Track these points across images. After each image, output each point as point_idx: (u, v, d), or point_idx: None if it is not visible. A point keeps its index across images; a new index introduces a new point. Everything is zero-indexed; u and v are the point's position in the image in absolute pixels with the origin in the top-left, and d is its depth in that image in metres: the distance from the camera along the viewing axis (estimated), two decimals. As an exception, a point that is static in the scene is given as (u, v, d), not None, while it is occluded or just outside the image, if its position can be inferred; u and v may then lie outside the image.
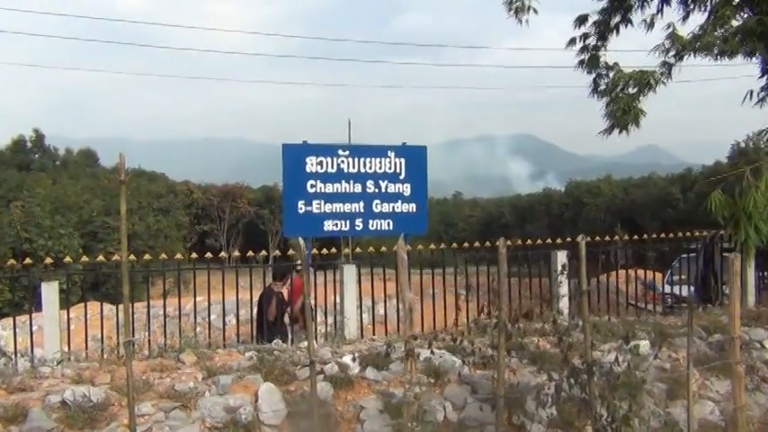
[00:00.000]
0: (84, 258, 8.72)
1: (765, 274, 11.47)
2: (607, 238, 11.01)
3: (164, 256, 9.29)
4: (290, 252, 9.18)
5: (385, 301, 9.14)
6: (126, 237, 3.29)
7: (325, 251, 8.97)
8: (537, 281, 9.69)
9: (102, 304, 8.90)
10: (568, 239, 9.71)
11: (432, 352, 4.95)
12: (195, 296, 9.49)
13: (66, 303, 9.16)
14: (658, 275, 13.69)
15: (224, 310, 8.77)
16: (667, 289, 13.48)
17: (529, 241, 9.76)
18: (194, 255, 10.20)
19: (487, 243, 9.06)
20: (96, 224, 45.47)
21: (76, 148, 72.46)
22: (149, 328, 8.22)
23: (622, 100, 11.26)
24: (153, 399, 5.12)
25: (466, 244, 9.30)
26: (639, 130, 10.93)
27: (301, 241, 3.55)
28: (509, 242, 9.31)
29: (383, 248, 9.38)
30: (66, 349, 8.63)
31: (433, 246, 9.97)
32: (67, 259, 8.47)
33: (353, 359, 5.52)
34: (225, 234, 64.84)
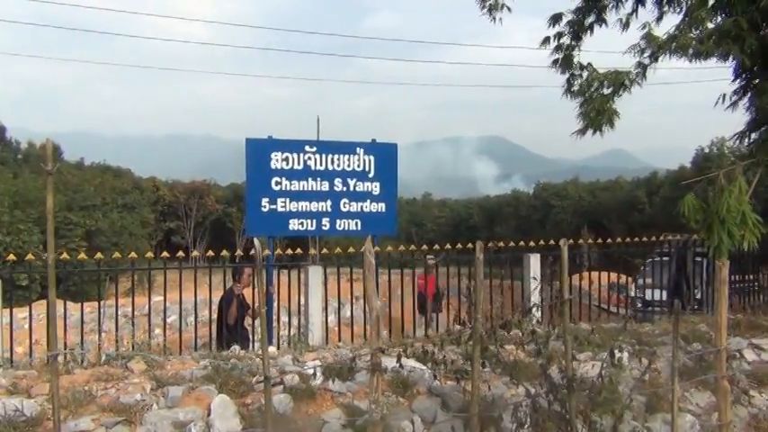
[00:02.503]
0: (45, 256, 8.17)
1: (736, 278, 11.40)
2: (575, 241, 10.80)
3: (117, 255, 8.75)
4: (252, 252, 8.76)
5: (351, 303, 8.77)
6: (53, 234, 2.88)
7: (290, 251, 8.57)
8: (508, 284, 9.43)
9: (65, 303, 8.41)
10: (541, 242, 9.46)
11: (400, 365, 4.58)
12: (150, 297, 9.01)
13: (27, 301, 8.64)
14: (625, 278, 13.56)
15: (181, 311, 8.31)
16: (638, 293, 13.36)
17: (501, 243, 9.48)
18: (165, 254, 9.66)
19: (458, 245, 8.76)
20: (58, 220, 44.24)
21: (39, 141, 70.59)
22: (100, 331, 7.73)
23: (596, 100, 11.08)
24: (94, 412, 4.66)
25: (436, 246, 8.98)
26: (607, 134, 10.78)
27: (256, 241, 3.16)
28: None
29: (351, 249, 9.02)
30: (18, 351, 8.10)
31: (402, 247, 9.62)
32: (29, 256, 7.93)
33: (314, 371, 5.13)
34: (191, 232, 63.82)
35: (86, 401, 4.79)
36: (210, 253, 8.47)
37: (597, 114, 10.96)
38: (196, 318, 9.50)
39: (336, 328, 8.89)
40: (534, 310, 4.27)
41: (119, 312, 8.80)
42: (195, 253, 10.11)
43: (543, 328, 5.87)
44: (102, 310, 8.15)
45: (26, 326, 8.61)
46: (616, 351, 5.47)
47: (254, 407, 4.85)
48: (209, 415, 4.73)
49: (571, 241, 10.42)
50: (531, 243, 9.36)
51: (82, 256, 8.20)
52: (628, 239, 10.37)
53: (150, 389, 5.06)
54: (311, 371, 5.16)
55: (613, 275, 12.34)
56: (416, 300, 10.89)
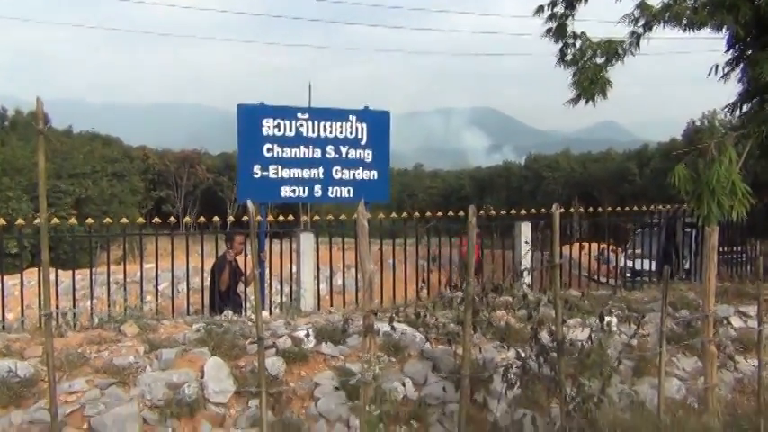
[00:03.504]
0: (37, 222, 8.11)
1: (724, 248, 11.49)
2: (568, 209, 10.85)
3: (108, 220, 8.69)
4: (245, 218, 8.76)
5: (343, 271, 8.81)
6: (45, 196, 2.86)
7: (281, 218, 8.56)
8: (500, 252, 9.48)
9: (56, 270, 8.38)
10: (532, 211, 9.50)
11: (392, 328, 4.63)
12: (141, 263, 8.98)
13: (18, 268, 8.59)
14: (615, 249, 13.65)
15: (173, 277, 8.31)
16: (627, 263, 13.47)
17: (492, 210, 9.51)
18: (157, 219, 9.59)
19: (450, 213, 8.78)
20: (47, 188, 43.96)
21: (27, 109, 69.65)
22: (92, 296, 7.72)
23: (589, 70, 11.04)
24: (88, 374, 4.70)
25: (428, 213, 8.99)
26: (599, 106, 10.77)
27: (249, 204, 3.15)
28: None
29: (342, 216, 9.04)
30: (9, 317, 8.08)
31: (394, 215, 9.64)
32: (19, 222, 7.87)
33: (308, 333, 5.17)
34: (182, 201, 63.55)
35: (80, 363, 4.81)
36: (202, 219, 8.44)
37: (590, 84, 10.93)
38: (188, 284, 9.51)
39: (328, 296, 8.93)
40: (525, 274, 4.31)
41: (110, 279, 8.79)
42: (188, 219, 10.06)
43: (534, 294, 5.94)
44: (93, 277, 8.14)
45: (17, 293, 8.61)
46: (606, 316, 5.57)
47: (248, 369, 4.90)
48: (202, 377, 4.78)
49: (562, 210, 10.50)
50: (523, 212, 9.40)
51: (72, 221, 8.16)
52: (618, 209, 10.42)
53: (143, 351, 5.09)
54: (303, 333, 5.20)
55: (603, 246, 12.42)
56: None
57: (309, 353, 5.16)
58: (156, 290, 9.47)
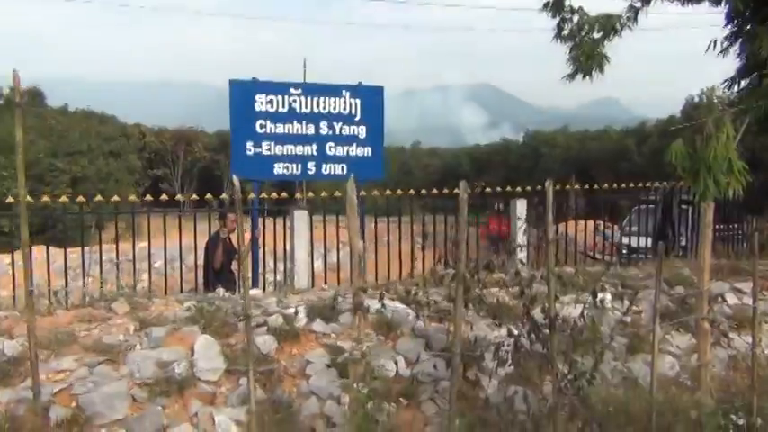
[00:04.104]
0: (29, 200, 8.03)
1: (720, 227, 11.47)
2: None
3: (99, 198, 8.61)
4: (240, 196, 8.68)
5: (338, 248, 8.73)
6: (23, 171, 2.79)
7: (275, 196, 8.50)
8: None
9: (47, 248, 8.32)
10: (528, 188, 9.44)
11: (383, 305, 4.58)
12: (134, 241, 8.91)
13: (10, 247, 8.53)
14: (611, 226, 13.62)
15: (165, 255, 8.28)
16: (623, 240, 13.45)
17: (483, 184, 9.46)
18: (149, 196, 9.51)
19: (445, 190, 8.71)
20: (43, 166, 43.63)
21: (22, 86, 68.88)
22: (84, 275, 7.67)
23: (587, 45, 10.90)
24: (77, 352, 4.66)
25: (423, 191, 8.92)
26: (597, 83, 10.65)
27: (235, 180, 3.08)
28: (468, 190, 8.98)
29: (337, 193, 8.98)
30: (3, 294, 8.05)
31: (389, 192, 9.53)
32: (11, 199, 7.79)
33: (296, 311, 5.13)
34: (179, 179, 63.29)
35: (69, 342, 4.78)
36: (194, 196, 8.38)
37: (587, 59, 10.80)
38: (182, 262, 9.46)
39: (323, 274, 8.90)
40: (519, 251, 4.25)
41: (104, 258, 8.74)
42: (179, 197, 9.95)
43: (528, 270, 5.90)
44: (87, 256, 8.08)
45: (10, 271, 8.56)
46: (599, 293, 5.53)
47: (238, 347, 4.86)
48: (192, 355, 4.74)
49: (558, 187, 10.46)
50: (518, 188, 9.34)
51: (63, 199, 8.08)
52: (614, 187, 10.37)
53: (134, 329, 5.06)
54: (295, 311, 5.16)
55: (600, 223, 12.39)
56: (489, 240, 11.73)
57: (301, 331, 5.13)
58: (150, 268, 9.43)
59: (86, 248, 8.20)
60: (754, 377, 4.68)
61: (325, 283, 8.59)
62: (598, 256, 12.19)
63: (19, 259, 8.05)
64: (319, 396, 4.69)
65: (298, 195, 9.55)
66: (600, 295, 5.06)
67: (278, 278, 8.45)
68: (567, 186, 11.17)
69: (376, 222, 8.76)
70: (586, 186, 10.77)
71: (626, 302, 4.92)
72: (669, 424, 4.13)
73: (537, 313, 4.21)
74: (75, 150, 46.64)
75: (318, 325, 5.19)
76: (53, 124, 48.26)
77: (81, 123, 54.29)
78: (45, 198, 7.76)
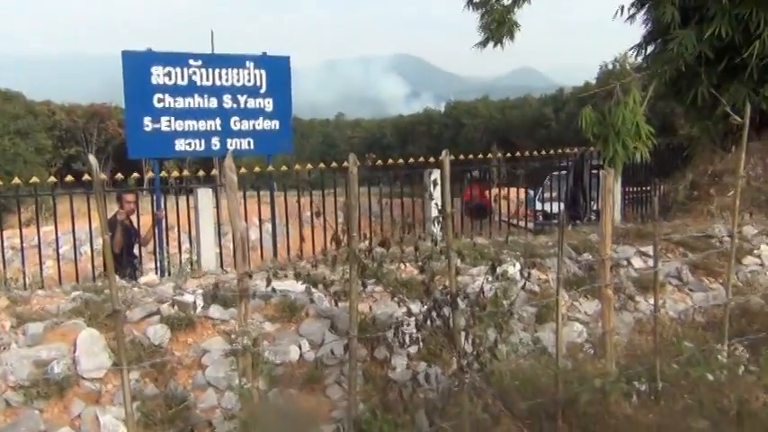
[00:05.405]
0: None
1: (630, 189, 11.73)
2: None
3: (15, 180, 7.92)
4: (149, 174, 8.22)
5: (260, 227, 8.41)
6: None
7: (176, 174, 8.06)
8: (410, 202, 9.30)
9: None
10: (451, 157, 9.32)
11: (272, 289, 4.33)
12: (39, 227, 8.29)
13: None
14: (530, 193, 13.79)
15: (57, 240, 7.74)
16: (538, 206, 13.64)
17: (401, 160, 9.29)
18: (53, 178, 8.86)
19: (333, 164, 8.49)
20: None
21: None
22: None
23: (497, 12, 10.84)
24: (-58, 356, 4.22)
25: (321, 164, 8.65)
26: (516, 52, 10.60)
27: (92, 158, 2.73)
28: (390, 161, 8.75)
29: (257, 169, 8.65)
30: None
31: (310, 166, 9.21)
32: None
33: (194, 297, 4.82)
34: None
35: (-67, 344, 4.32)
36: (103, 176, 7.84)
37: (498, 26, 10.74)
38: (92, 247, 8.87)
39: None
40: (433, 224, 4.02)
41: (5, 245, 8.10)
42: (69, 177, 9.29)
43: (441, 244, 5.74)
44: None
45: None
46: (505, 264, 5.45)
47: (128, 340, 4.51)
48: (75, 351, 4.37)
49: (480, 156, 10.44)
50: (432, 159, 9.20)
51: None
52: (526, 154, 10.40)
53: (10, 326, 4.62)
54: (190, 299, 4.84)
55: (522, 191, 12.48)
56: (465, 207, 11.91)
57: (197, 318, 4.82)
58: (58, 254, 8.85)
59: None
60: (656, 339, 4.71)
61: (235, 265, 8.25)
62: (514, 221, 12.30)
63: None
64: (217, 387, 4.42)
65: (213, 172, 9.11)
66: (504, 266, 4.98)
67: (183, 259, 8.05)
68: (489, 155, 11.17)
69: (286, 197, 8.46)
70: (508, 154, 10.78)
71: (529, 272, 4.85)
72: (575, 393, 4.09)
73: (439, 289, 4.05)
74: (-25, 129, 43.93)
75: (216, 311, 4.89)
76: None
77: (-20, 101, 51.08)
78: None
